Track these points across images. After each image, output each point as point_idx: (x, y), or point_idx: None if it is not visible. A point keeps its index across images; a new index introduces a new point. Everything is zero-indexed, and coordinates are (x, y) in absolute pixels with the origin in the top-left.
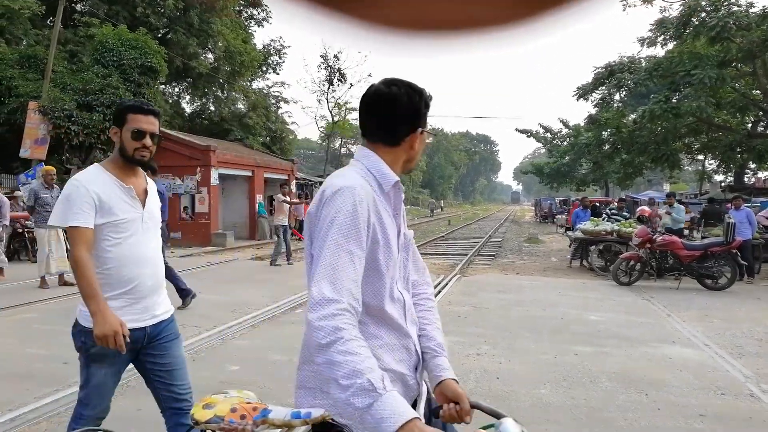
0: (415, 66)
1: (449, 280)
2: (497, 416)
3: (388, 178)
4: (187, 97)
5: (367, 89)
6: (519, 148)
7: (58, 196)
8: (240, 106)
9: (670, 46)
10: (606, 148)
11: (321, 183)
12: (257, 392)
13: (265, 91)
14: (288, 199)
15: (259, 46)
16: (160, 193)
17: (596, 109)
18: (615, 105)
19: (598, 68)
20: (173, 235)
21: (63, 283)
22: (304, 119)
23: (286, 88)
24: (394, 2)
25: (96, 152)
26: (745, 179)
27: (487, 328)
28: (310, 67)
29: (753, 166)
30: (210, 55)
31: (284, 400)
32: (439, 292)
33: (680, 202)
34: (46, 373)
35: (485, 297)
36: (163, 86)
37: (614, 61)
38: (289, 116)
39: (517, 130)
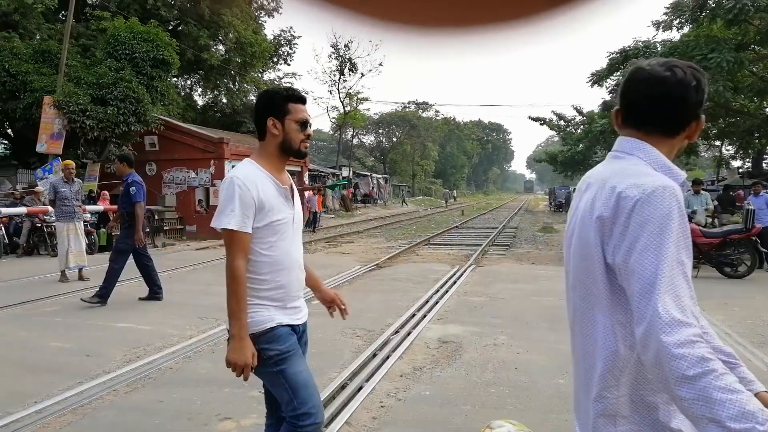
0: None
1: (464, 271)
2: None
3: (676, 176)
4: (199, 90)
5: (639, 70)
6: (532, 137)
7: (77, 190)
8: (252, 97)
9: (686, 29)
10: None
11: (334, 174)
12: None
13: (277, 82)
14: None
15: (270, 37)
16: (137, 183)
17: (611, 95)
18: None
19: (613, 53)
20: (189, 228)
21: (80, 278)
22: (316, 110)
23: (297, 78)
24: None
25: (111, 146)
26: (764, 165)
27: (504, 318)
28: (321, 57)
29: None
30: (221, 47)
31: None
32: (455, 282)
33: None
34: (70, 366)
35: (501, 287)
36: (175, 79)
37: (629, 46)
38: None
39: (530, 118)
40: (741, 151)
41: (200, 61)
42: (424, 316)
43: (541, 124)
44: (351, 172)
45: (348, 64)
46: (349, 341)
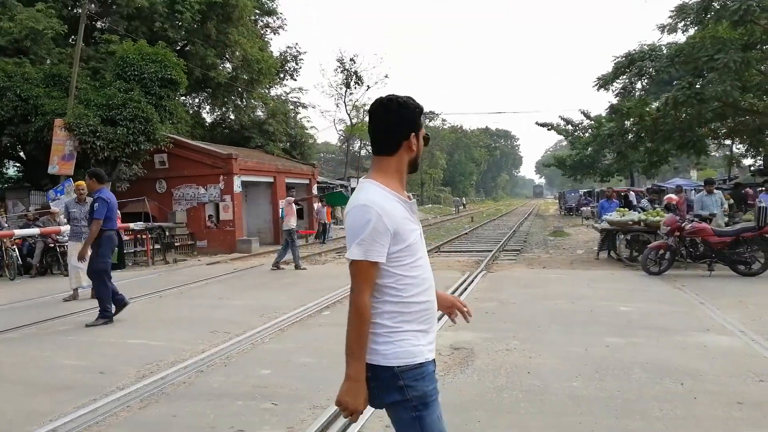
0: (434, 65)
1: (475, 277)
2: None
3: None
4: (207, 107)
5: None
6: (540, 142)
7: (88, 210)
8: (259, 113)
9: (692, 31)
10: (629, 137)
11: (342, 186)
12: (289, 395)
13: (284, 98)
14: (292, 198)
15: (276, 54)
16: (102, 200)
17: (617, 98)
18: (637, 93)
19: (619, 57)
20: (199, 244)
21: (93, 296)
22: (323, 123)
23: (303, 93)
24: None
25: (121, 166)
26: None
27: (516, 323)
28: (327, 72)
29: None
30: (228, 65)
31: (315, 402)
32: (465, 288)
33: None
34: (84, 384)
35: (512, 292)
36: (183, 97)
37: (634, 50)
38: (308, 121)
39: (537, 123)
40: (752, 150)
41: (208, 80)
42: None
43: (548, 129)
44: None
45: (354, 77)
46: None
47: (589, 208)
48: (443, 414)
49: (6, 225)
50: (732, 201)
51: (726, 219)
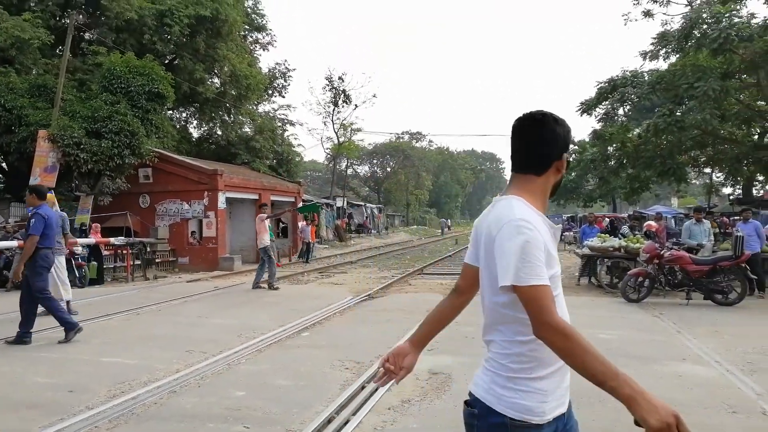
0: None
1: None
2: None
3: None
4: (195, 122)
5: None
6: None
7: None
8: (246, 129)
9: (673, 59)
10: (611, 163)
11: (328, 204)
12: (262, 418)
13: (271, 114)
14: (264, 215)
15: (265, 70)
16: (39, 215)
17: (600, 123)
18: (619, 119)
19: (601, 83)
20: (181, 260)
21: (68, 310)
22: (310, 141)
23: (291, 110)
24: None
25: (105, 179)
26: (754, 191)
27: None
28: (315, 90)
29: (761, 178)
30: (216, 80)
31: (289, 426)
32: None
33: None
34: (53, 402)
35: None
36: (170, 112)
37: (617, 76)
38: (295, 138)
39: None
40: (730, 178)
41: (195, 94)
42: None
43: None
44: (345, 202)
45: (342, 95)
46: (337, 374)
47: (571, 233)
48: None
49: None
50: (718, 229)
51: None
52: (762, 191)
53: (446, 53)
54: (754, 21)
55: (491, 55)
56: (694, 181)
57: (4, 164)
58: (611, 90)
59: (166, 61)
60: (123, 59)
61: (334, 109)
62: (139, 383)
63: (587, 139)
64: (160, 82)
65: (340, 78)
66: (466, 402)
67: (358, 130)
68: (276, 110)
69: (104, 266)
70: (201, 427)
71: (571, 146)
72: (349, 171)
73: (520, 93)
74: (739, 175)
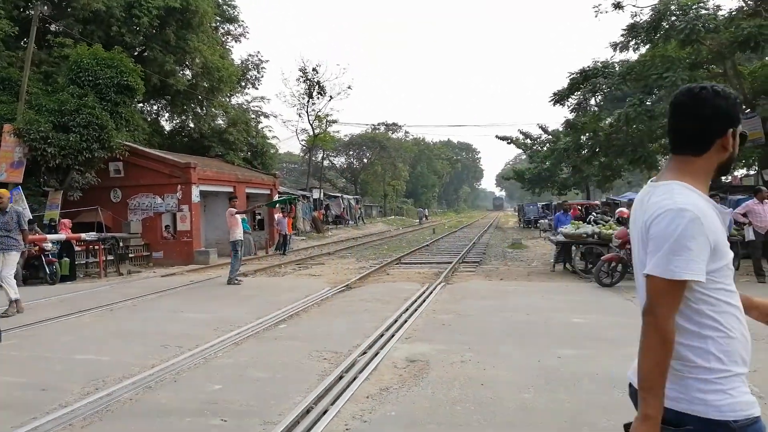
0: (395, 77)
1: (433, 289)
2: None
3: None
4: (166, 115)
5: None
6: (501, 155)
7: (6, 221)
8: (220, 122)
9: (643, 50)
10: (584, 152)
11: (305, 196)
12: (239, 411)
13: (245, 107)
14: (234, 210)
15: (237, 62)
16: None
17: (573, 113)
18: (592, 109)
19: (573, 74)
20: (155, 255)
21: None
22: (286, 133)
23: (265, 102)
24: None
25: (74, 174)
26: (722, 178)
27: (471, 335)
28: (290, 81)
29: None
30: (188, 72)
31: (266, 418)
32: (424, 300)
33: None
34: (24, 402)
35: (469, 304)
36: (141, 104)
37: (588, 67)
38: (270, 131)
39: (497, 137)
40: None
41: (166, 87)
42: (393, 335)
43: (508, 143)
44: (322, 194)
45: (317, 87)
46: (315, 364)
47: (546, 220)
48: (396, 428)
49: None
50: None
51: None
52: (730, 177)
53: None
54: (720, 13)
55: (466, 47)
56: None
57: None
58: (583, 80)
59: (136, 53)
60: (90, 51)
61: (308, 101)
62: (113, 379)
63: (561, 129)
64: (129, 74)
65: (314, 69)
66: (663, 422)
67: (334, 121)
68: (250, 102)
69: (76, 262)
70: (178, 422)
71: (545, 136)
72: (326, 162)
73: (497, 83)
74: None
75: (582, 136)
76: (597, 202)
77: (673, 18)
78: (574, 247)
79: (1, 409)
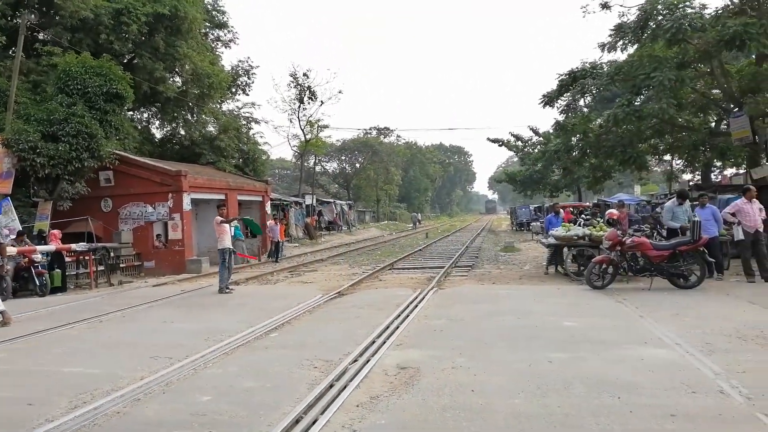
0: (388, 80)
1: (425, 294)
2: None
3: None
4: (157, 123)
5: None
6: (493, 158)
7: None
8: (211, 128)
9: (631, 50)
10: (574, 153)
11: (297, 203)
12: (228, 422)
13: (236, 113)
14: (220, 219)
15: (228, 68)
16: None
17: (562, 115)
18: (581, 110)
19: (562, 75)
20: (147, 264)
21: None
22: (277, 139)
23: (256, 108)
24: None
25: (63, 184)
26: (712, 177)
27: (463, 341)
28: (280, 87)
29: (719, 164)
30: (178, 79)
31: (255, 428)
32: (416, 306)
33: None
34: (8, 417)
35: (461, 309)
36: (131, 112)
37: (577, 68)
38: (261, 137)
39: (488, 139)
40: (688, 165)
41: (156, 94)
42: (384, 342)
43: (499, 146)
44: (314, 200)
45: (307, 92)
46: (306, 373)
47: (538, 223)
48: None
49: None
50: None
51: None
52: (720, 176)
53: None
54: (706, 12)
55: (458, 50)
56: (655, 169)
57: None
58: (572, 82)
59: (125, 61)
60: (78, 59)
61: (299, 106)
62: (101, 392)
63: (551, 131)
64: (118, 82)
65: (305, 74)
66: None
67: (325, 126)
68: (240, 108)
69: (67, 273)
70: None
71: (536, 138)
72: (318, 168)
73: (488, 86)
74: (696, 161)
75: (573, 138)
76: (588, 203)
77: (660, 17)
78: (565, 250)
79: None
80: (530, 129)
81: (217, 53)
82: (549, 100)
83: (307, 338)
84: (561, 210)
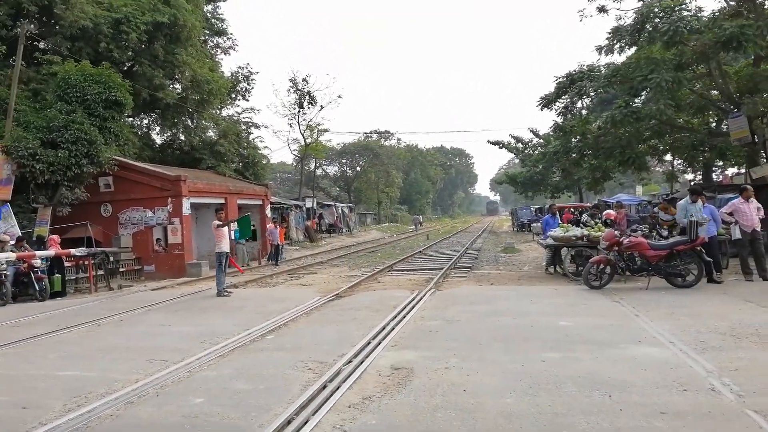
0: (388, 84)
1: (423, 296)
2: None
3: None
4: (157, 129)
5: None
6: (495, 159)
7: None
8: (211, 134)
9: (629, 52)
10: (573, 155)
11: (297, 206)
12: (219, 424)
13: (236, 118)
14: (218, 222)
15: (227, 74)
16: None
17: (560, 117)
18: (578, 112)
19: (560, 77)
20: (147, 269)
21: None
22: (277, 144)
23: (256, 113)
24: None
25: (63, 190)
26: (714, 176)
27: (457, 341)
28: (280, 92)
29: (720, 163)
30: (177, 86)
31: (246, 430)
32: (413, 307)
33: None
34: (4, 420)
35: (457, 310)
36: (131, 119)
37: (574, 70)
38: (261, 141)
39: (489, 142)
40: (688, 165)
41: (156, 100)
42: (379, 344)
43: (500, 148)
44: (315, 203)
45: (307, 97)
46: (300, 374)
47: (539, 224)
48: None
49: None
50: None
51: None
52: (721, 176)
53: (415, 51)
54: (702, 14)
55: (458, 52)
56: (656, 169)
57: None
58: (569, 84)
59: (125, 68)
60: (78, 67)
61: (299, 111)
62: (96, 395)
63: (551, 133)
64: (117, 89)
65: (304, 80)
66: None
67: (325, 130)
68: (240, 114)
69: (66, 278)
70: None
71: (537, 140)
72: (319, 171)
73: (488, 88)
74: (695, 161)
75: (572, 139)
76: (588, 204)
77: (657, 20)
78: (564, 250)
79: None
80: (530, 131)
81: (216, 60)
82: (547, 102)
83: (302, 340)
84: (557, 211)
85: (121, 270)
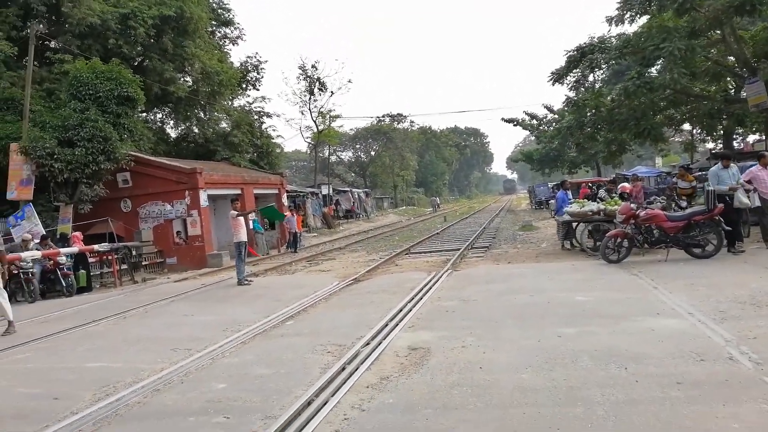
0: (399, 67)
1: (440, 277)
2: None
3: None
4: (171, 122)
5: None
6: (510, 137)
7: None
8: (224, 125)
9: (641, 22)
10: (587, 129)
11: (312, 193)
12: (242, 407)
13: (247, 108)
14: (235, 213)
15: (236, 64)
16: None
17: (573, 91)
18: (594, 85)
19: (570, 51)
20: (169, 261)
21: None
22: (290, 132)
23: (267, 102)
24: None
25: (82, 187)
26: (735, 144)
27: (474, 320)
28: (290, 80)
29: (741, 131)
30: (188, 78)
31: (268, 413)
32: (430, 288)
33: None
34: (37, 411)
35: (474, 290)
36: (144, 114)
37: (585, 43)
38: (274, 130)
39: (503, 120)
40: (707, 134)
41: (168, 94)
42: (396, 325)
43: (514, 125)
44: (330, 189)
45: (317, 83)
46: (319, 358)
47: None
48: (393, 414)
49: None
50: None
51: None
52: (742, 144)
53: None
54: None
55: (469, 40)
56: (675, 139)
57: None
58: (580, 57)
59: (135, 64)
60: (88, 65)
61: (310, 98)
62: (123, 385)
63: (564, 107)
64: (128, 85)
65: (313, 66)
66: None
67: (337, 116)
68: (251, 103)
69: (91, 273)
70: (182, 422)
71: (551, 115)
72: (333, 158)
73: (500, 66)
74: (713, 129)
75: (586, 113)
76: (605, 178)
77: None
78: (581, 225)
79: (16, 419)
80: (544, 107)
81: (224, 50)
82: (558, 77)
83: (321, 325)
84: (571, 186)
85: (144, 263)
